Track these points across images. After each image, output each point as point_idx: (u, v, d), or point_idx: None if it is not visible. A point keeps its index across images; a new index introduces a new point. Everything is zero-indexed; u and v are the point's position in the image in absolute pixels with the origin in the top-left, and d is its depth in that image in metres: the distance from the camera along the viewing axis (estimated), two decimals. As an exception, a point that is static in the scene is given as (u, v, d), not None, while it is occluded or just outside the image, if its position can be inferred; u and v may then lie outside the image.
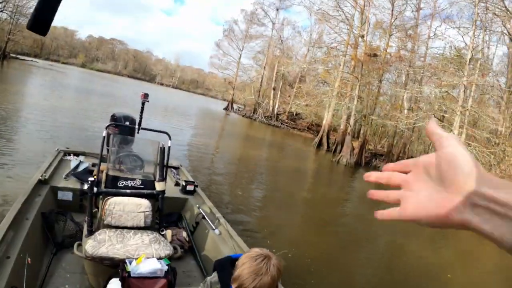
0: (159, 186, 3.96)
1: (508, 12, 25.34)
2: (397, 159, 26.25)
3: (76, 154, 6.19)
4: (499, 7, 25.40)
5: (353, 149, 25.12)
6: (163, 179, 3.98)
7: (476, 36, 24.37)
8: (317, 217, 11.02)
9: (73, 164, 5.47)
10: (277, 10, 52.04)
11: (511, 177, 22.95)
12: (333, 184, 18.82)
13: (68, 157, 5.94)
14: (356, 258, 8.41)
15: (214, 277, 2.19)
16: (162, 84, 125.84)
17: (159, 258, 3.15)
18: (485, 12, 25.00)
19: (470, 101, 23.10)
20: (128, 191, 3.79)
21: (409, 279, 7.98)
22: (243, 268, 1.81)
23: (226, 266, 2.09)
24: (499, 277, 9.92)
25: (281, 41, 51.75)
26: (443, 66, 25.68)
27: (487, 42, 32.41)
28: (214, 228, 4.45)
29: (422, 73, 25.74)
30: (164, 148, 4.08)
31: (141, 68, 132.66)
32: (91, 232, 3.49)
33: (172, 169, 6.37)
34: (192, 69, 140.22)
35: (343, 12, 32.25)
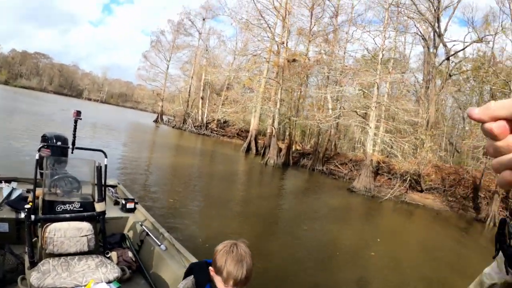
0: (99, 207, 3.80)
1: (421, 15, 27.82)
2: (323, 157, 27.52)
3: (8, 180, 5.62)
4: (412, 10, 27.82)
5: (280, 150, 25.91)
6: (102, 199, 3.85)
7: (388, 37, 26.30)
8: (251, 214, 11.61)
9: (5, 192, 4.98)
10: (204, 20, 52.51)
11: (430, 163, 25.14)
12: (262, 184, 19.55)
13: None
14: (287, 244, 9.00)
15: (187, 281, 2.08)
16: (90, 99, 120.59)
17: (108, 282, 3.08)
18: (397, 16, 27.11)
19: (385, 97, 24.80)
20: (67, 215, 3.57)
21: (336, 258, 8.62)
22: (228, 264, 1.86)
23: (203, 269, 2.06)
24: (421, 254, 10.92)
25: (207, 50, 52.16)
26: (361, 66, 27.47)
27: (403, 42, 35.36)
28: (159, 244, 4.34)
29: (340, 74, 27.22)
30: (100, 167, 3.93)
31: (67, 83, 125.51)
32: (33, 264, 3.26)
33: (110, 188, 6.09)
34: (121, 82, 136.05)
35: (265, 21, 33.38)
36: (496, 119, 0.41)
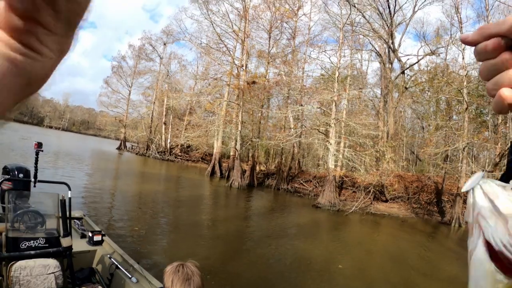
0: (65, 242, 3.69)
1: (375, 32, 28.81)
2: (288, 176, 27.60)
3: None
4: (366, 28, 28.80)
5: (243, 172, 25.83)
6: (68, 233, 3.74)
7: (343, 56, 27.05)
8: (218, 236, 11.67)
9: (-38, 229, 4.76)
10: (165, 44, 52.40)
11: (393, 173, 25.70)
12: (227, 207, 19.53)
13: None
14: (255, 263, 9.06)
15: None
16: (51, 127, 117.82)
17: None
18: (351, 35, 27.98)
19: (344, 113, 25.35)
20: (32, 252, 3.43)
21: (304, 274, 8.72)
22: (174, 283, 1.89)
23: None
24: (388, 262, 11.03)
25: (168, 75, 51.91)
26: (319, 85, 28.07)
27: (359, 60, 36.49)
28: (130, 276, 4.18)
29: (298, 94, 27.66)
30: (64, 200, 3.83)
31: (27, 111, 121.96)
32: None
33: (75, 220, 5.93)
34: (83, 109, 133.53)
35: (224, 45, 33.71)
36: (490, 37, 0.40)
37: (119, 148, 54.30)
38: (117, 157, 44.82)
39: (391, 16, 28.45)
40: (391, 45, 29.58)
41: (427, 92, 30.87)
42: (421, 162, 34.86)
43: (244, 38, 31.44)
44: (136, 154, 49.48)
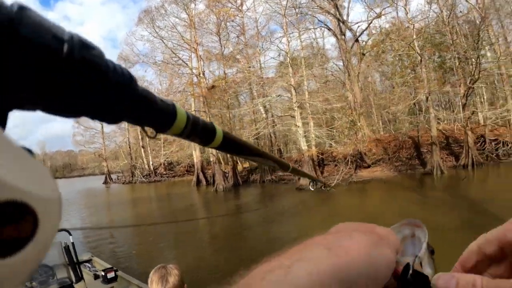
0: (79, 287, 3.60)
1: (320, 8, 29.30)
2: (269, 168, 27.97)
3: None
4: (311, 7, 29.24)
5: (225, 174, 26.24)
6: (80, 278, 3.71)
7: (295, 39, 27.50)
8: (215, 237, 12.76)
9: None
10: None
11: (369, 138, 26.36)
12: (216, 210, 19.91)
13: None
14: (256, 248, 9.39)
15: None
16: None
17: None
18: (296, 17, 28.34)
19: (306, 94, 25.84)
20: None
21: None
22: (153, 282, 2.07)
23: None
24: (379, 222, 11.53)
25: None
26: (277, 73, 28.52)
27: (314, 38, 37.00)
28: None
29: (259, 86, 28.08)
30: (68, 246, 3.79)
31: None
32: None
33: (85, 263, 5.87)
34: (62, 153, 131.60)
35: (179, 57, 33.88)
36: None
37: (105, 182, 54.13)
38: (105, 191, 44.85)
39: (332, -12, 28.96)
40: (339, 17, 30.13)
41: (390, 52, 31.41)
42: (396, 122, 35.57)
43: (196, 46, 31.71)
44: (123, 183, 49.46)
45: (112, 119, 0.37)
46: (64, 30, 0.28)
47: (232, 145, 0.73)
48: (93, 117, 0.35)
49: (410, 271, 0.35)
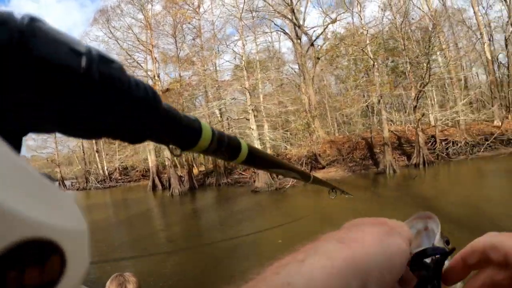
0: None
1: (276, 12, 29.65)
2: (226, 170, 27.94)
3: None
4: (267, 11, 29.54)
5: (180, 178, 25.95)
6: None
7: (249, 42, 27.65)
8: (169, 242, 12.55)
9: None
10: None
11: (323, 140, 26.84)
12: (172, 214, 19.72)
13: None
14: (196, 258, 9.62)
15: None
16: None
17: None
18: (252, 21, 28.53)
19: (261, 97, 25.99)
20: None
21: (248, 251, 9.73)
22: None
23: None
24: (326, 226, 11.59)
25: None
26: (232, 77, 28.57)
27: (270, 42, 37.34)
28: None
29: (213, 89, 28.04)
30: None
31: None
32: None
33: None
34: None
35: (134, 59, 33.20)
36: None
37: (58, 189, 52.04)
38: (57, 199, 43.07)
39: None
40: (296, 22, 30.62)
41: (344, 57, 32.22)
42: (350, 124, 36.46)
43: (152, 47, 31.22)
44: (77, 189, 47.64)
45: (135, 139, 0.34)
46: (80, 42, 0.25)
47: (256, 160, 0.70)
48: (115, 137, 0.32)
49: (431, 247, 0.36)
